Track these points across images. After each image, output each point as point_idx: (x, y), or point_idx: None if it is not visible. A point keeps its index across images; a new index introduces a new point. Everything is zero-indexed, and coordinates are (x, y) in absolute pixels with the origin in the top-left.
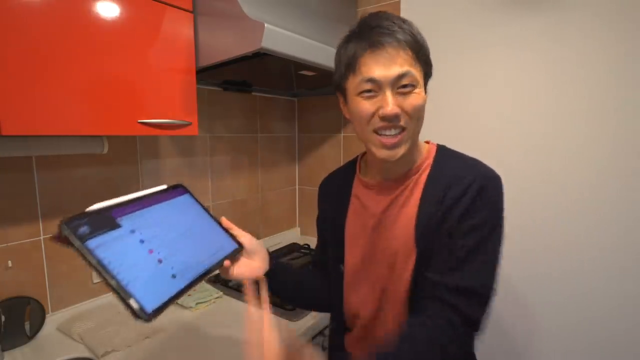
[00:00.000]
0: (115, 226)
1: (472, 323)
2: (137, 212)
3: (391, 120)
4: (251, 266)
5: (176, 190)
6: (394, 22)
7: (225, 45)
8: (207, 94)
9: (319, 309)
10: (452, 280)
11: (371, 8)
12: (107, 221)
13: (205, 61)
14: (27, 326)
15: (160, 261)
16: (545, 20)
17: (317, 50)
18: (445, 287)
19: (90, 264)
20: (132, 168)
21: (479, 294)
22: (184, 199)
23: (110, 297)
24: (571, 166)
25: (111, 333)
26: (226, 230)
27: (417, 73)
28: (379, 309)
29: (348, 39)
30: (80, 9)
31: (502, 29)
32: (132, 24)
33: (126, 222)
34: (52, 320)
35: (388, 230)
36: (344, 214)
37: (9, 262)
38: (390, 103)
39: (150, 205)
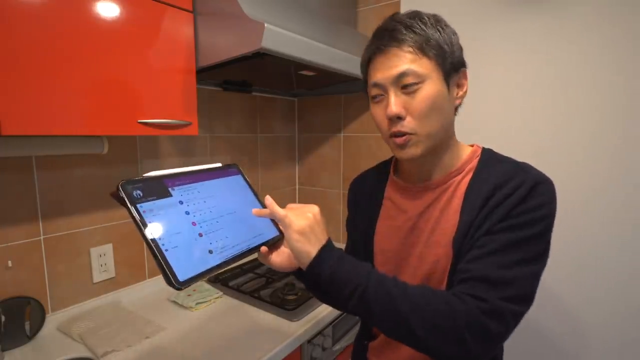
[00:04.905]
0: (167, 195)
1: (496, 320)
2: (189, 185)
3: (395, 123)
4: (290, 256)
5: (230, 169)
6: (400, 22)
7: (225, 45)
8: (207, 94)
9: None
10: (482, 268)
11: (371, 8)
12: (160, 189)
13: (205, 61)
14: (27, 326)
15: (200, 235)
16: (547, 18)
17: (317, 50)
18: (470, 274)
19: (137, 225)
20: (132, 168)
21: (507, 289)
22: (236, 179)
23: (110, 297)
24: (574, 165)
25: (111, 333)
26: None
27: (421, 68)
28: None
29: (365, 47)
30: (80, 9)
31: (503, 28)
32: (132, 24)
33: (177, 192)
34: (52, 320)
35: (426, 235)
36: (375, 216)
37: (9, 262)
38: (391, 104)
39: (202, 180)
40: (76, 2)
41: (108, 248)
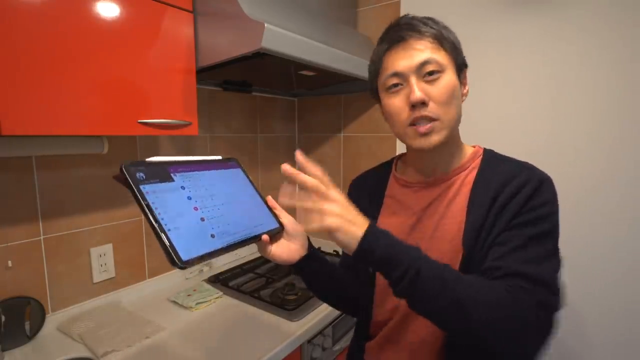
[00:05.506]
0: (169, 179)
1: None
2: (190, 173)
3: (420, 109)
4: (290, 248)
5: (229, 162)
6: (415, 18)
7: (225, 45)
8: (207, 94)
9: (344, 309)
10: (512, 263)
11: (371, 8)
12: (162, 173)
13: (205, 61)
14: (27, 326)
15: (202, 219)
16: (545, 20)
17: (317, 50)
18: (503, 271)
19: (140, 205)
20: None
21: (545, 283)
22: (236, 172)
23: (110, 297)
24: (570, 165)
25: (111, 333)
26: (270, 209)
27: (442, 58)
28: (409, 319)
29: (377, 43)
30: (80, 9)
31: (502, 29)
32: (133, 24)
33: (179, 178)
34: (52, 320)
35: (430, 230)
36: (376, 214)
37: (9, 262)
38: (415, 89)
39: (203, 170)
40: (76, 2)
41: (108, 248)
